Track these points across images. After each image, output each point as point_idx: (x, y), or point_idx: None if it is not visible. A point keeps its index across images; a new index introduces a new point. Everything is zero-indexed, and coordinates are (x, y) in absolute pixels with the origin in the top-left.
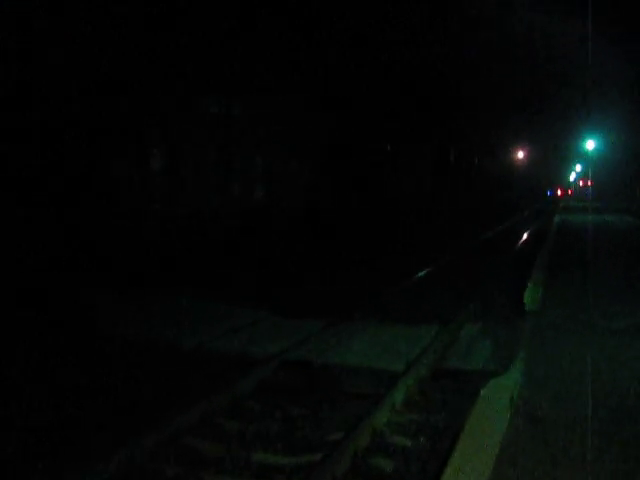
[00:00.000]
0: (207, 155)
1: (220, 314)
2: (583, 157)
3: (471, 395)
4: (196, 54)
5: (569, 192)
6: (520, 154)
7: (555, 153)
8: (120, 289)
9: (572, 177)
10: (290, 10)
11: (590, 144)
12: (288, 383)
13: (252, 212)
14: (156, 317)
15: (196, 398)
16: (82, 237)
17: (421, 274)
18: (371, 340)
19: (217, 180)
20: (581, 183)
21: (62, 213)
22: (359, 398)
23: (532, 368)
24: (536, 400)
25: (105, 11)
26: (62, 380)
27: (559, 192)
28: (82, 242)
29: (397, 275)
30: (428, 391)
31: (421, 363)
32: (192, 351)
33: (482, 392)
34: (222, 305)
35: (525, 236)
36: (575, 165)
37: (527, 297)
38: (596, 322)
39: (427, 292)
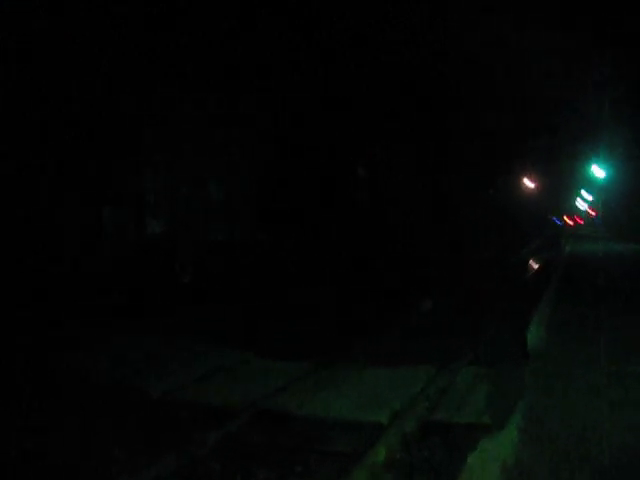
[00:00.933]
0: None
1: (199, 355)
2: (592, 186)
3: (462, 454)
4: None
5: (579, 221)
6: (529, 183)
7: (563, 181)
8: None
9: (581, 206)
10: None
11: (600, 172)
12: (259, 439)
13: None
14: (126, 358)
15: (147, 459)
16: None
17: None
18: (360, 385)
19: None
20: (591, 212)
21: None
22: (336, 457)
23: (531, 424)
24: (532, 465)
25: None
26: None
27: (570, 222)
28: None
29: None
30: (414, 448)
31: (409, 414)
32: (157, 400)
33: (473, 454)
34: (201, 345)
35: (533, 265)
36: (580, 192)
37: (531, 335)
38: (606, 366)
39: (425, 330)
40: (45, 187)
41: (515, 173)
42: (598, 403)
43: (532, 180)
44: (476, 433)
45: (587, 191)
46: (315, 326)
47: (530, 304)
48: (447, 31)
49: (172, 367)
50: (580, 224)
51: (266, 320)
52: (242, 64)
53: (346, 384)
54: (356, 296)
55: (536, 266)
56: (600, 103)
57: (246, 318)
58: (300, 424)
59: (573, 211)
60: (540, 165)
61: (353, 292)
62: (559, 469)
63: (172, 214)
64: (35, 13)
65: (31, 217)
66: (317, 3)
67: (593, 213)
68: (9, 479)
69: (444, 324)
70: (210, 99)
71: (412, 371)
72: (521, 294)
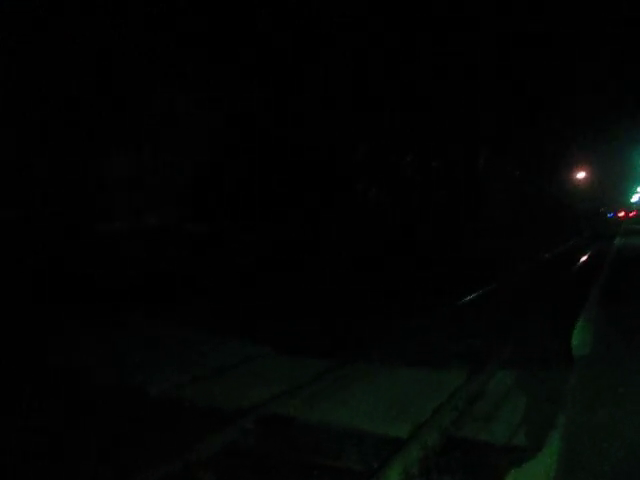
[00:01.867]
0: None
1: (210, 348)
2: None
3: None
4: None
5: (630, 214)
6: (581, 174)
7: (617, 173)
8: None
9: (635, 198)
10: None
11: None
12: (259, 447)
13: None
14: (132, 350)
15: (137, 467)
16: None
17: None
18: (378, 389)
19: None
20: None
21: None
22: (339, 475)
23: (573, 447)
24: None
25: None
26: None
27: (621, 213)
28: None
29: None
30: (434, 472)
31: (432, 427)
32: (155, 400)
33: None
34: (216, 337)
35: (580, 261)
36: (638, 186)
37: (576, 338)
38: None
39: (459, 325)
40: None
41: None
42: None
43: (587, 173)
44: (507, 456)
45: None
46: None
47: (577, 300)
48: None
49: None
50: (632, 217)
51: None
52: None
53: (365, 387)
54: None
55: (584, 259)
56: None
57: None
58: (308, 433)
59: (628, 205)
60: (594, 157)
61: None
62: None
63: None
64: None
65: None
66: None
67: None
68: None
69: (484, 320)
70: None
71: (442, 374)
72: (568, 287)
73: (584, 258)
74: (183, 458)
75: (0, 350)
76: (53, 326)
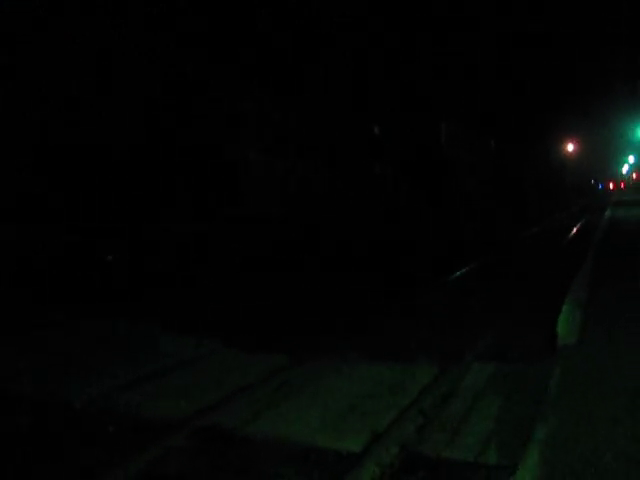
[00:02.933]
0: None
1: (152, 344)
2: (636, 147)
3: None
4: None
5: (621, 185)
6: (570, 147)
7: (605, 144)
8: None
9: (624, 169)
10: None
11: None
12: (186, 470)
13: None
14: (71, 347)
15: None
16: None
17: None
18: (336, 391)
19: None
20: (634, 176)
21: None
22: None
23: (551, 463)
24: None
25: None
26: None
27: (611, 185)
28: None
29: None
30: None
31: (391, 440)
32: (78, 412)
33: None
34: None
35: (568, 236)
36: (628, 157)
37: (562, 324)
38: None
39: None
40: None
41: (557, 137)
42: None
43: (574, 144)
44: (476, 476)
45: (634, 155)
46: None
47: (564, 279)
48: None
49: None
50: (622, 189)
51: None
52: None
53: (321, 389)
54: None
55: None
56: None
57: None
58: (247, 450)
59: (618, 176)
60: (584, 129)
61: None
62: None
63: None
64: None
65: None
66: None
67: (636, 177)
68: None
69: (464, 300)
70: None
71: (410, 370)
72: (555, 264)
73: (572, 232)
74: None
75: None
76: None
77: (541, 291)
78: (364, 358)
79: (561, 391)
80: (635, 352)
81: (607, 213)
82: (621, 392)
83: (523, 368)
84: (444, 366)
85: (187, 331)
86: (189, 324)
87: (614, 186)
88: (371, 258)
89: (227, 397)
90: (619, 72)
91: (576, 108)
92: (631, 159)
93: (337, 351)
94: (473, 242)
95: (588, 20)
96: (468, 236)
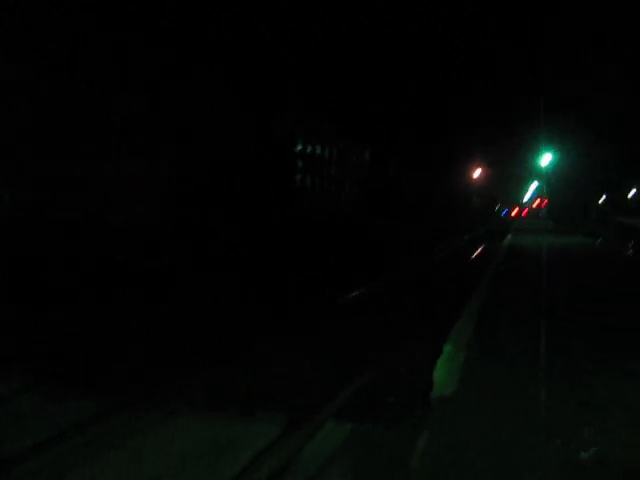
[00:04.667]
0: None
1: None
2: (539, 175)
3: None
4: None
5: (523, 213)
6: (477, 172)
7: (508, 171)
8: None
9: (526, 197)
10: None
11: (545, 159)
12: None
13: None
14: None
15: None
16: None
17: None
18: (139, 459)
19: None
20: (536, 203)
21: None
22: None
23: None
24: None
25: None
26: None
27: (513, 212)
28: None
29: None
30: None
31: None
32: None
33: None
34: None
35: (464, 265)
36: (530, 184)
37: (440, 369)
38: (544, 440)
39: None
40: None
41: (461, 163)
42: None
43: (479, 169)
44: None
45: (538, 181)
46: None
47: (451, 312)
48: None
49: None
50: (523, 216)
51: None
52: None
53: (124, 455)
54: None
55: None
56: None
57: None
58: None
59: (521, 203)
60: (489, 156)
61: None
62: None
63: None
64: None
65: None
66: None
67: (537, 205)
68: None
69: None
70: None
71: (245, 429)
72: (447, 291)
73: (472, 256)
74: None
75: None
76: None
77: (427, 322)
78: (199, 407)
79: (420, 467)
80: (511, 411)
81: (507, 241)
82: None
83: (386, 430)
84: (296, 419)
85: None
86: None
87: (517, 212)
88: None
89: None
90: (522, 103)
91: (482, 137)
92: (534, 185)
93: (172, 396)
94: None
95: (492, 55)
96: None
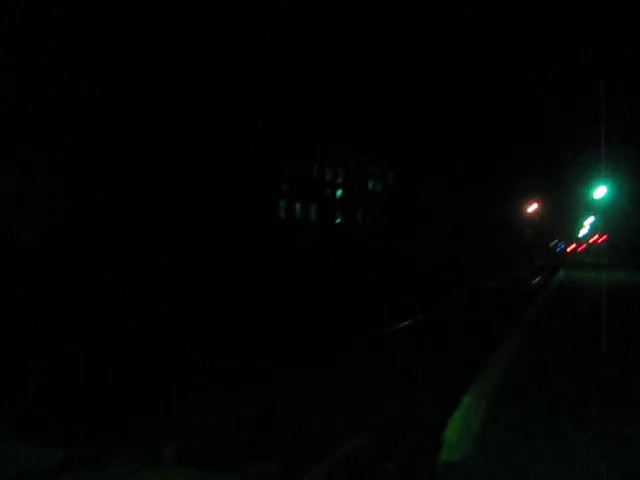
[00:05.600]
0: None
1: None
2: (594, 210)
3: None
4: None
5: (579, 249)
6: (533, 207)
7: (563, 206)
8: None
9: (582, 232)
10: None
11: (600, 192)
12: None
13: None
14: None
15: None
16: None
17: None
18: None
19: None
20: (593, 239)
21: None
22: None
23: None
24: None
25: None
26: None
27: (571, 247)
28: None
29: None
30: None
31: None
32: None
33: None
34: None
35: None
36: (585, 219)
37: (452, 429)
38: None
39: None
40: None
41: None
42: None
43: (538, 205)
44: None
45: (593, 215)
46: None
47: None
48: None
49: None
50: (579, 251)
51: None
52: None
53: None
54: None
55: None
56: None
57: None
58: None
59: (578, 238)
60: (546, 193)
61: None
62: None
63: None
64: None
65: None
66: None
67: (594, 241)
68: None
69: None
70: None
71: None
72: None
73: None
74: None
75: None
76: None
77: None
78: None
79: None
80: None
81: (558, 276)
82: None
83: None
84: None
85: None
86: None
87: (573, 249)
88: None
89: None
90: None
91: (539, 172)
92: (590, 220)
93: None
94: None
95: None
96: None
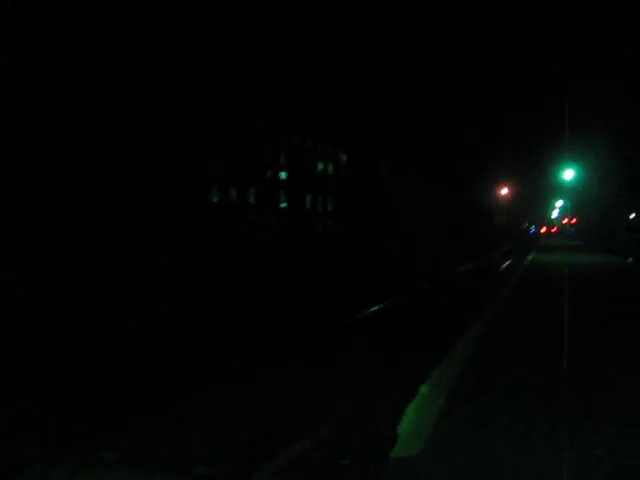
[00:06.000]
0: None
1: None
2: (564, 191)
3: None
4: None
5: (552, 230)
6: (504, 190)
7: (535, 188)
8: None
9: (554, 214)
10: None
11: (569, 174)
12: None
13: None
14: None
15: None
16: None
17: None
18: None
19: None
20: (565, 220)
21: None
22: None
23: None
24: None
25: None
26: None
27: (543, 229)
28: None
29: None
30: None
31: None
32: None
33: None
34: None
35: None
36: (556, 201)
37: (407, 420)
38: None
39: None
40: None
41: (488, 180)
42: None
43: (506, 188)
44: None
45: (563, 199)
46: None
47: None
48: None
49: None
50: (552, 232)
51: None
52: None
53: None
54: None
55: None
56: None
57: None
58: None
59: (549, 220)
60: (515, 174)
61: None
62: None
63: None
64: None
65: None
66: None
67: (567, 221)
68: None
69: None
70: None
71: None
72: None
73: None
74: None
75: None
76: None
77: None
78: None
79: None
80: None
81: (529, 257)
82: None
83: None
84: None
85: None
86: None
87: (546, 230)
88: None
89: None
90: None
91: (507, 154)
92: (560, 203)
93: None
94: None
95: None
96: None
